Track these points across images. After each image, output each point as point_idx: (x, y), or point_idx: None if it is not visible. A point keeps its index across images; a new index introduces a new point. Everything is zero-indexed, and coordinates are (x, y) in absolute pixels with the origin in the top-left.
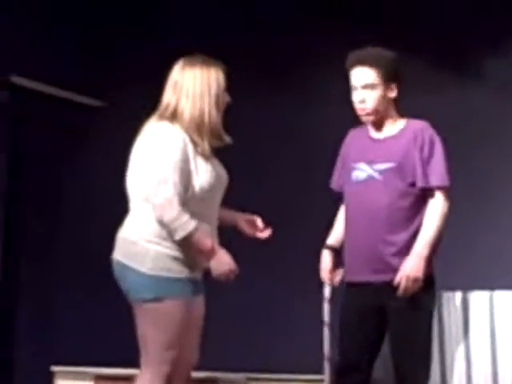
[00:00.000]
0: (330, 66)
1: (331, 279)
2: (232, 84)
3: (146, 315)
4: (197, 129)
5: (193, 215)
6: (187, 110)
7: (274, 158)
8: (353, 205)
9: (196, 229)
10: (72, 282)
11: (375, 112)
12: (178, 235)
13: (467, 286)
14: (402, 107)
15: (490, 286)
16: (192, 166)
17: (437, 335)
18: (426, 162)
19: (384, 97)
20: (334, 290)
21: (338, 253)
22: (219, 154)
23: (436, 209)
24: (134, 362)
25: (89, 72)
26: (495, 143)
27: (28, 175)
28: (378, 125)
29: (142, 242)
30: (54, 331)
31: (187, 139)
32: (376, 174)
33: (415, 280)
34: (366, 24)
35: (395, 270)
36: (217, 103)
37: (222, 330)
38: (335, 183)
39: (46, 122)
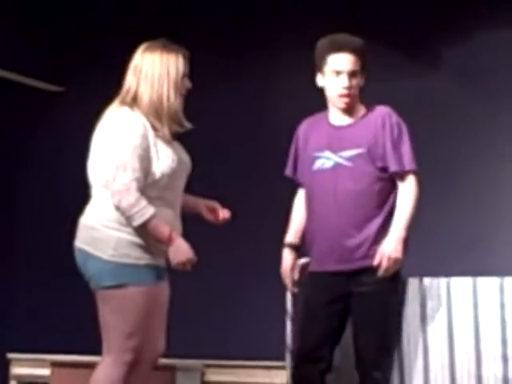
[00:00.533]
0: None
1: (292, 279)
2: (196, 69)
3: (108, 302)
4: (156, 113)
5: (154, 200)
6: (146, 94)
7: (237, 145)
8: (318, 194)
9: (153, 216)
10: (28, 267)
11: (354, 99)
12: (136, 222)
13: (425, 272)
14: (365, 93)
15: (447, 272)
16: (152, 152)
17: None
18: (396, 147)
19: (360, 85)
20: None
21: (298, 249)
22: (182, 139)
23: (409, 192)
24: (92, 349)
25: (47, 57)
26: (455, 128)
27: None
28: (346, 112)
29: (104, 228)
30: (8, 317)
31: (147, 124)
32: (344, 161)
33: (396, 261)
34: (326, 10)
35: (363, 258)
36: (175, 88)
37: (180, 316)
38: (289, 171)
39: (2, 107)
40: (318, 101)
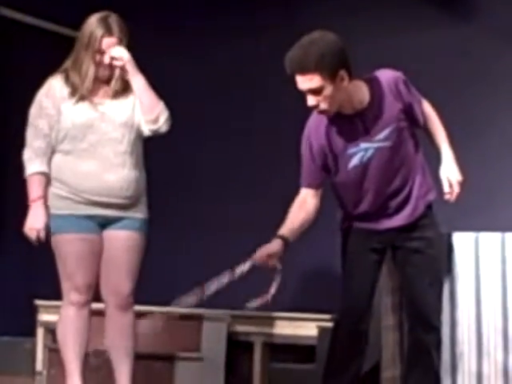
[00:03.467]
0: None
1: (264, 260)
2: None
3: (52, 248)
4: (76, 76)
5: (71, 153)
6: (71, 60)
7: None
8: (357, 184)
9: (32, 174)
10: None
11: (333, 107)
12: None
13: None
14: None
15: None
16: (61, 111)
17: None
18: (418, 102)
19: (336, 91)
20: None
21: (287, 246)
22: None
23: (434, 115)
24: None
25: (75, 4)
26: (483, 83)
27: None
28: (345, 107)
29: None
30: (36, 264)
31: (64, 87)
32: (382, 143)
33: (461, 182)
34: None
35: (411, 213)
36: (92, 60)
37: (208, 267)
38: (313, 182)
39: (36, 56)
40: None
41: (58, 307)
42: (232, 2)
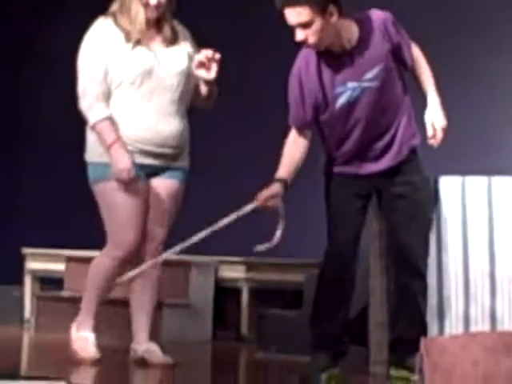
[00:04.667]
0: None
1: (264, 204)
2: None
3: (97, 198)
4: (126, 20)
5: (128, 100)
6: (120, 4)
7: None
8: (342, 123)
9: (101, 120)
10: (38, 163)
11: (322, 43)
12: (88, 124)
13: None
14: None
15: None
16: (117, 55)
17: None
18: (406, 43)
19: (325, 25)
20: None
21: (286, 188)
22: None
23: (423, 59)
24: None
25: None
26: (480, 32)
27: None
28: (334, 45)
29: (88, 131)
30: (22, 213)
31: (116, 30)
32: (369, 83)
33: (445, 128)
34: None
35: (395, 156)
36: (140, 2)
37: (195, 213)
38: (302, 119)
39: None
40: None
41: (45, 255)
42: None
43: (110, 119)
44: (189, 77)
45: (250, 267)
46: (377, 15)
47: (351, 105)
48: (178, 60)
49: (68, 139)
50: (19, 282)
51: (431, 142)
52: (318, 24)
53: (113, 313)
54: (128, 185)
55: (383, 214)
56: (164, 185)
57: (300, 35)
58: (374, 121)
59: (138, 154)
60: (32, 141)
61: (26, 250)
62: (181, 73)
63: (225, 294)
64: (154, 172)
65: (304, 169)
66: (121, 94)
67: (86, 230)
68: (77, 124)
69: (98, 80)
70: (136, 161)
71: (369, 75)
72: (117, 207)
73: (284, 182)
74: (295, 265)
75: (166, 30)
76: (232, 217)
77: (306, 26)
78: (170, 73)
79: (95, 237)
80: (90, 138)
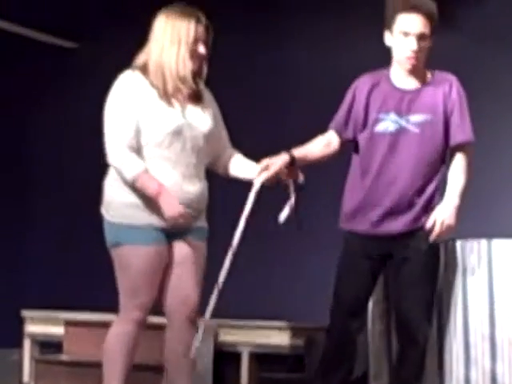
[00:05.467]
0: None
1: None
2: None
3: (114, 261)
4: (162, 75)
5: (153, 160)
6: (154, 56)
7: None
8: (377, 157)
9: (142, 172)
10: (43, 224)
11: (420, 63)
12: (128, 179)
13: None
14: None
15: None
16: (148, 113)
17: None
18: (463, 118)
19: (428, 48)
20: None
21: (293, 163)
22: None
23: (467, 162)
24: (106, 308)
25: (61, 12)
26: (479, 90)
27: None
28: (412, 74)
29: (109, 189)
30: (23, 274)
31: (148, 85)
32: (411, 126)
33: (448, 227)
34: None
35: (412, 222)
36: (185, 51)
37: None
38: (338, 125)
39: (16, 63)
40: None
41: (44, 318)
42: None
43: (147, 171)
44: (211, 138)
45: (249, 331)
46: (450, 76)
47: (385, 139)
48: (206, 121)
49: (66, 202)
50: (18, 345)
51: (429, 234)
52: (428, 42)
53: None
54: (151, 250)
55: (387, 276)
56: (189, 246)
57: (416, 44)
58: (401, 169)
59: (161, 218)
60: (32, 208)
61: (26, 313)
62: (207, 134)
63: (224, 358)
64: (176, 233)
65: (306, 231)
66: (147, 153)
67: (86, 291)
68: (72, 185)
69: (129, 134)
70: (158, 224)
71: (413, 118)
72: (137, 271)
73: (292, 156)
74: (296, 328)
75: (199, 86)
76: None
77: (422, 38)
78: (198, 134)
79: (95, 299)
80: (111, 197)
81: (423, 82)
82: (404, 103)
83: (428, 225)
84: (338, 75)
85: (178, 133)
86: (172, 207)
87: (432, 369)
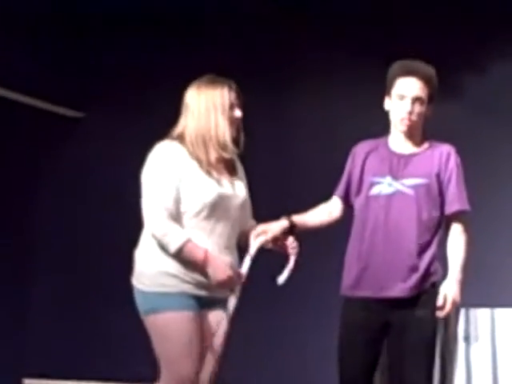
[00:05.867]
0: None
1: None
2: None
3: (150, 330)
4: (203, 144)
5: (194, 230)
6: (191, 127)
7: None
8: (372, 220)
9: (187, 242)
10: (43, 292)
11: (414, 126)
12: (170, 250)
13: (469, 304)
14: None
15: (491, 303)
16: (187, 182)
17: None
18: (458, 186)
19: (424, 115)
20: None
21: (292, 231)
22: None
23: (464, 233)
24: (107, 376)
25: (67, 82)
26: (477, 161)
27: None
28: (408, 139)
29: (143, 259)
30: (24, 343)
31: (187, 156)
32: (405, 189)
33: (456, 304)
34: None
35: (411, 288)
36: (223, 118)
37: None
38: (340, 192)
39: (20, 132)
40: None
41: None
42: None
43: (190, 238)
44: (243, 209)
45: None
46: (448, 145)
47: (380, 201)
48: (241, 191)
49: (69, 271)
50: None
51: (438, 312)
52: (423, 107)
53: None
54: (186, 315)
55: (387, 344)
56: (216, 318)
57: (410, 106)
58: (397, 232)
59: (194, 286)
60: (34, 272)
61: (27, 382)
62: (241, 205)
63: None
64: (209, 303)
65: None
66: (183, 223)
67: (88, 359)
68: (86, 257)
69: (170, 203)
70: (191, 292)
71: (407, 181)
72: (174, 338)
73: (291, 220)
74: None
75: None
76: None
77: (417, 102)
78: (234, 205)
79: (96, 366)
80: (144, 266)
81: (421, 148)
82: (400, 167)
83: (439, 303)
84: (343, 139)
85: (216, 203)
86: (221, 271)
87: None
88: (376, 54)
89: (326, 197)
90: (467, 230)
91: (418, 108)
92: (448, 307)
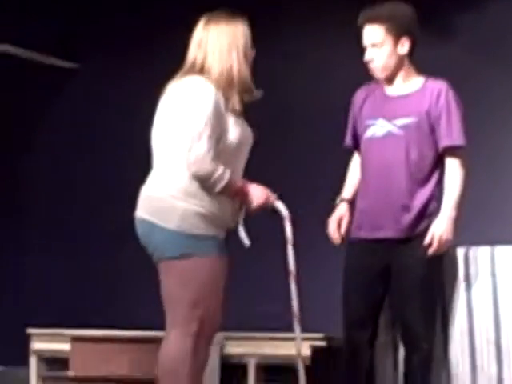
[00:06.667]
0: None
1: (338, 230)
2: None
3: (172, 273)
4: (227, 84)
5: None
6: (215, 65)
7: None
8: (370, 162)
9: (230, 178)
10: (40, 243)
11: (384, 69)
12: (217, 188)
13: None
14: None
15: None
16: (224, 121)
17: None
18: (449, 122)
19: (393, 53)
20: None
21: (352, 206)
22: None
23: (459, 169)
24: (111, 324)
25: (60, 33)
26: (478, 99)
27: None
28: (391, 81)
29: (170, 199)
30: (27, 292)
31: (219, 94)
32: (396, 129)
33: (446, 241)
34: None
35: (410, 228)
36: (245, 57)
37: None
38: (348, 141)
39: (13, 85)
40: None
41: (50, 335)
42: None
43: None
44: None
45: (255, 342)
46: (440, 82)
47: (374, 144)
48: (251, 132)
49: (68, 220)
50: (25, 362)
51: (426, 249)
52: (387, 48)
53: None
54: (220, 261)
55: (390, 284)
56: (227, 262)
57: (368, 54)
58: (391, 173)
59: (222, 230)
60: (33, 221)
61: (31, 331)
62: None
63: (231, 369)
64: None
65: (312, 243)
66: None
67: (92, 308)
68: (87, 203)
69: (215, 143)
70: (221, 236)
71: (398, 122)
72: (205, 282)
73: (348, 201)
74: (301, 339)
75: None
76: None
77: (376, 46)
78: (250, 144)
79: (100, 315)
80: (178, 206)
81: (413, 88)
82: (391, 108)
83: (426, 241)
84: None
85: (242, 143)
86: (261, 193)
87: (438, 375)
88: None
89: (324, 138)
90: (463, 166)
91: (376, 53)
92: (435, 245)
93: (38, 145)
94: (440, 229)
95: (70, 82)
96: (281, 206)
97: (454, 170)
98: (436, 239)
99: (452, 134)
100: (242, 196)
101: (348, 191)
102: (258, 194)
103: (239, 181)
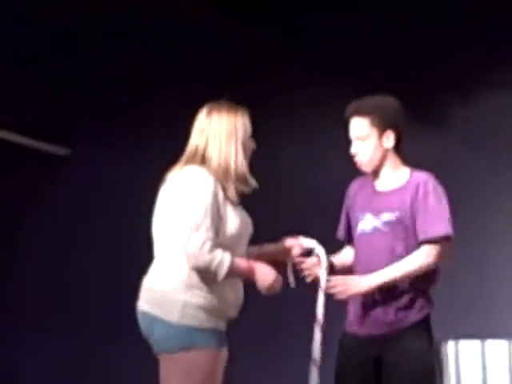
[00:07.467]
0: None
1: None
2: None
3: (173, 366)
4: (224, 175)
5: None
6: (215, 155)
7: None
8: (359, 257)
9: (232, 260)
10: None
11: (370, 163)
12: (221, 274)
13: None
14: None
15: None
16: (222, 212)
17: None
18: (425, 215)
19: (378, 146)
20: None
21: (331, 269)
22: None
23: (423, 256)
24: None
25: (53, 119)
26: (463, 192)
27: None
28: (377, 175)
29: (170, 291)
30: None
31: (217, 184)
32: (381, 225)
33: (346, 292)
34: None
35: (394, 323)
36: (243, 148)
37: None
38: (340, 233)
39: (6, 170)
40: None
41: None
42: None
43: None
44: None
45: None
46: (423, 175)
47: (363, 239)
48: (250, 221)
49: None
50: None
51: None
52: (371, 142)
53: None
54: (219, 354)
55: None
56: (226, 355)
57: (354, 148)
58: (371, 268)
59: (223, 322)
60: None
61: None
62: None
63: None
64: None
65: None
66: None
67: None
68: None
69: (213, 234)
70: (221, 328)
71: (384, 217)
72: (204, 375)
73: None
74: None
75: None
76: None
77: (360, 139)
78: (250, 232)
79: None
80: (178, 299)
81: (400, 182)
82: (378, 203)
83: (332, 282)
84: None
85: (243, 235)
86: (269, 274)
87: None
88: (364, 88)
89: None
90: (433, 255)
91: (361, 146)
92: (339, 285)
93: (28, 230)
94: (357, 282)
95: (61, 169)
96: (321, 252)
97: (418, 254)
98: (341, 286)
99: (428, 226)
100: (249, 278)
101: (338, 258)
102: (265, 276)
103: (243, 262)
